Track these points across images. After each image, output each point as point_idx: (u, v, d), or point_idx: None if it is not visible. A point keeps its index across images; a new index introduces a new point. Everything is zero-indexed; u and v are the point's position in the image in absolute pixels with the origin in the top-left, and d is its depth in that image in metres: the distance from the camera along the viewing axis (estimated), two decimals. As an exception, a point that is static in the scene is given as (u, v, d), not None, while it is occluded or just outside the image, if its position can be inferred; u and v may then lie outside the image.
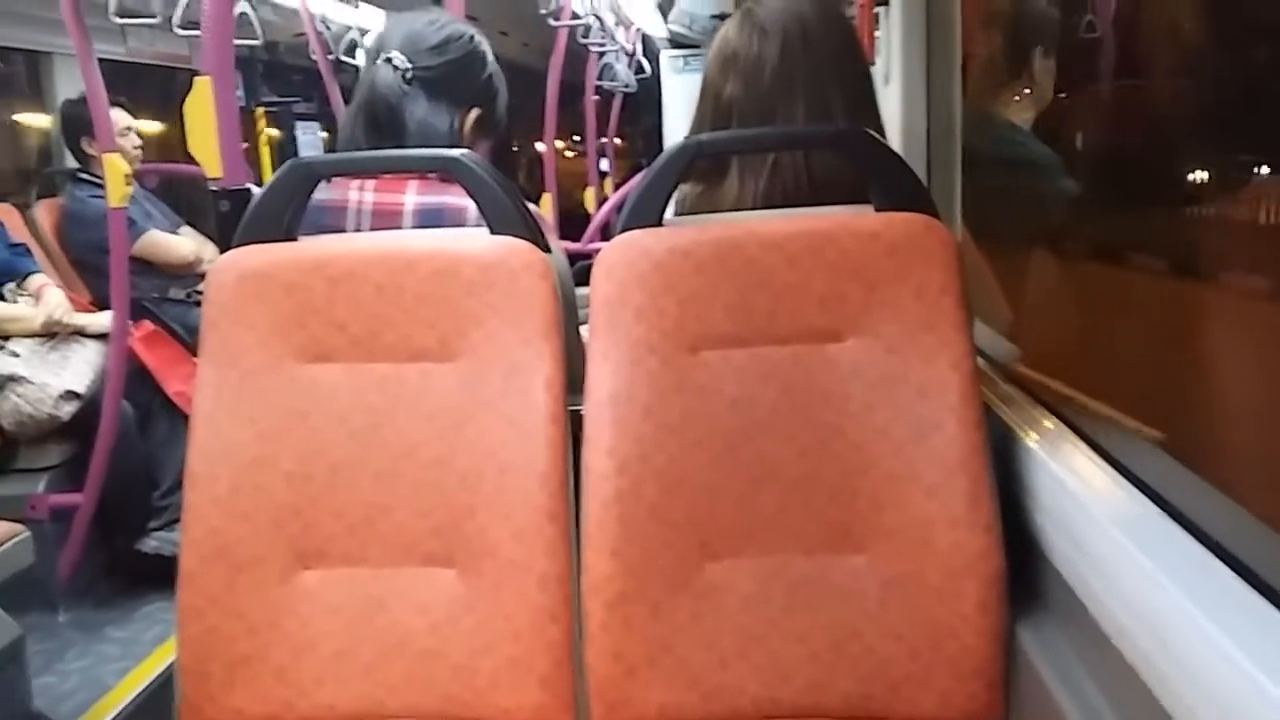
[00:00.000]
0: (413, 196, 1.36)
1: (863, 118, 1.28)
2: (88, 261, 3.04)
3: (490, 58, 1.47)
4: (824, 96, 1.26)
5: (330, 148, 5.30)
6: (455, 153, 1.23)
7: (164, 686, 2.28)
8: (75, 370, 2.69)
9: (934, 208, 1.15)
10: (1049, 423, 1.16)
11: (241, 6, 3.07)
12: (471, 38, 1.45)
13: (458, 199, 1.32)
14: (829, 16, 1.32)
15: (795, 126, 1.25)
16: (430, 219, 1.34)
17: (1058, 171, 1.51)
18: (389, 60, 1.39)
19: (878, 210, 1.15)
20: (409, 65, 1.39)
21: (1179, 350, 1.06)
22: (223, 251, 1.24)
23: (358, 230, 1.35)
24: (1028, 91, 1.66)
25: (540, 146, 4.99)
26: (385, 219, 1.35)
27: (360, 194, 1.36)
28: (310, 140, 5.25)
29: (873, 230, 1.12)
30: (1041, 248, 1.53)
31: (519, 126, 8.13)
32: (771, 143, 1.25)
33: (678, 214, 1.31)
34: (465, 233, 1.26)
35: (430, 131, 1.38)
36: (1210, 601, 0.73)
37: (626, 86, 5.52)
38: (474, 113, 1.44)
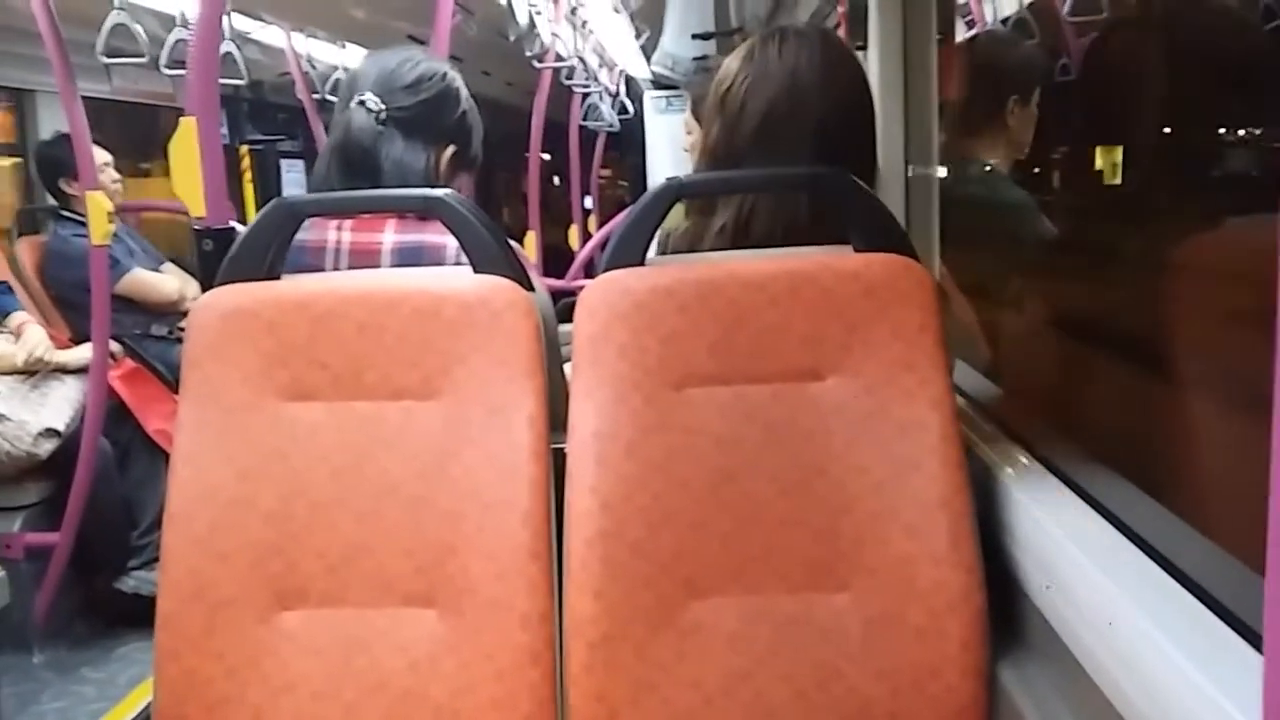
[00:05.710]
0: (391, 235, 1.36)
1: (868, 163, 1.29)
2: (70, 299, 3.03)
3: (464, 93, 1.47)
4: (849, 144, 1.26)
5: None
6: (439, 192, 1.23)
7: (140, 729, 2.25)
8: (55, 407, 2.68)
9: (911, 248, 1.16)
10: (1029, 462, 1.16)
11: (227, 47, 3.10)
12: (445, 75, 1.45)
13: (436, 236, 1.33)
14: (854, 62, 1.32)
15: (777, 169, 1.25)
16: (409, 257, 1.34)
17: (1033, 215, 1.53)
18: (362, 103, 1.40)
19: (857, 251, 1.16)
20: (383, 106, 1.39)
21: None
22: (205, 290, 1.24)
23: (336, 270, 1.35)
24: (1004, 137, 1.69)
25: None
26: (363, 258, 1.35)
27: (339, 233, 1.37)
28: (296, 179, 5.26)
29: (852, 271, 1.13)
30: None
31: (501, 163, 8.17)
32: (751, 184, 1.26)
33: (660, 253, 1.32)
34: (448, 272, 1.27)
35: (406, 170, 1.39)
36: (1188, 640, 0.74)
37: (611, 126, 5.57)
38: (449, 149, 1.45)
